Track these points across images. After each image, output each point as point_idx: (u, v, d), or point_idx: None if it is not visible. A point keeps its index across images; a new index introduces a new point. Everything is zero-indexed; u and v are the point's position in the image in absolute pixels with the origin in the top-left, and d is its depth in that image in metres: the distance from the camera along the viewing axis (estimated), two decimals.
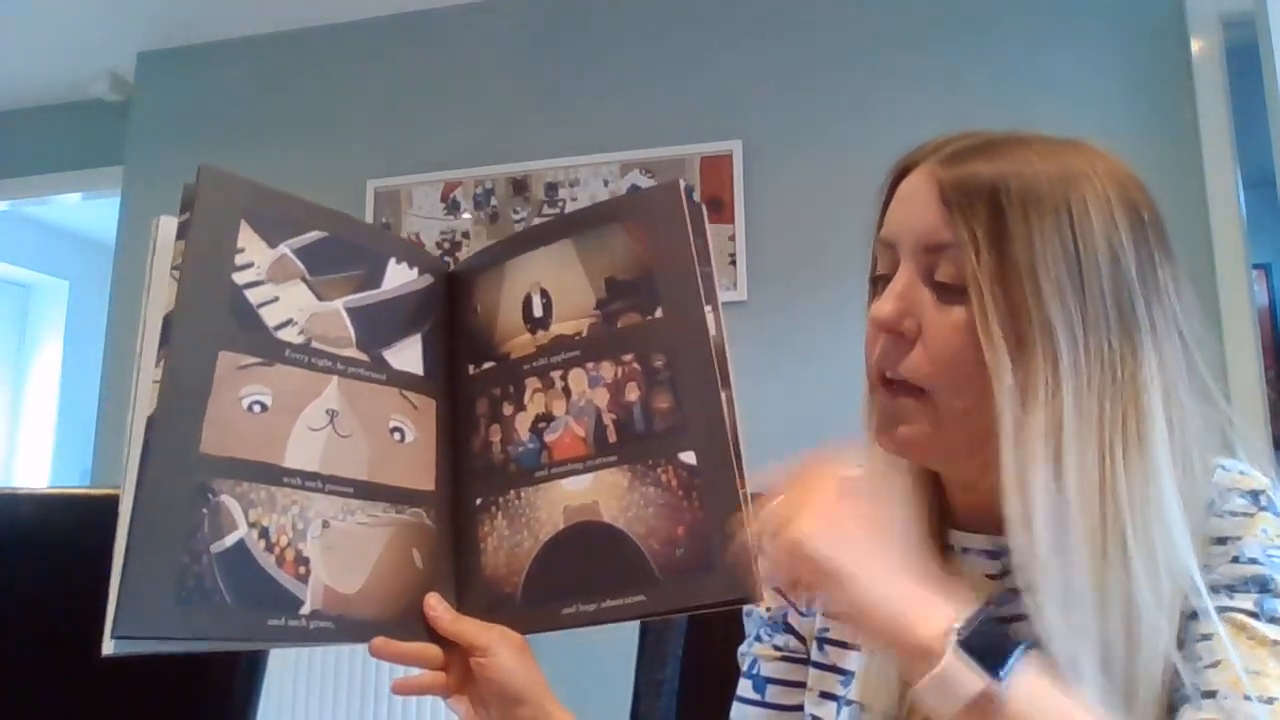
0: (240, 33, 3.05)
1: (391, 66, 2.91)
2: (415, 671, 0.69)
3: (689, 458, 0.66)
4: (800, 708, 0.72)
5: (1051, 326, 0.58)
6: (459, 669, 0.69)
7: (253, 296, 0.67)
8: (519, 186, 2.71)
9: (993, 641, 0.50)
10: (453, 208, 2.75)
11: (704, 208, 0.72)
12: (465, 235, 2.74)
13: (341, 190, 2.81)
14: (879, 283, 0.65)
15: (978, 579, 0.66)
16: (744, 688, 0.76)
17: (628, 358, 0.69)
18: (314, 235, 0.71)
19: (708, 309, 0.68)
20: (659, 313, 0.69)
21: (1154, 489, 0.57)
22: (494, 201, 2.72)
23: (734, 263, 2.49)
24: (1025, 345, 0.58)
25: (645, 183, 2.61)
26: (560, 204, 2.67)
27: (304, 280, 0.70)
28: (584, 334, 0.71)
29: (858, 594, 0.53)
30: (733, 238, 2.51)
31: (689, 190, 0.71)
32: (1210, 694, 0.55)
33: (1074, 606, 0.55)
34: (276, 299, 0.68)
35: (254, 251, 0.68)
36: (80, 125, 3.45)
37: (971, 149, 0.63)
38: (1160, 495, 0.57)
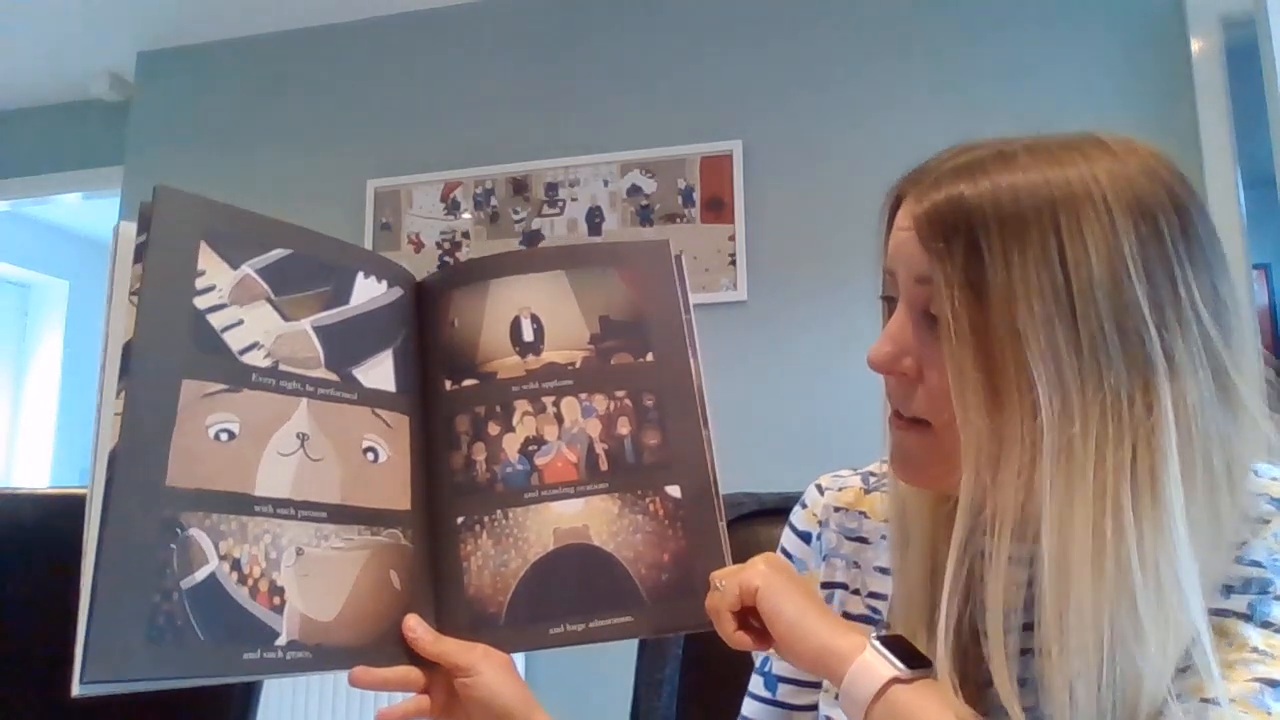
0: (240, 33, 3.05)
1: (391, 66, 2.91)
2: (400, 697, 0.68)
3: (674, 491, 0.72)
4: (812, 708, 0.72)
5: (1031, 373, 0.52)
6: (443, 691, 0.69)
7: (216, 321, 0.65)
8: (519, 186, 2.71)
9: (904, 648, 0.56)
10: (453, 208, 2.75)
11: (682, 259, 0.79)
12: (465, 235, 2.73)
13: (341, 190, 2.82)
14: (888, 303, 0.63)
15: None
16: (755, 684, 0.75)
17: (620, 394, 0.74)
18: (278, 253, 0.69)
19: (690, 356, 0.75)
20: (650, 356, 0.75)
21: (1165, 537, 0.52)
22: (494, 201, 2.72)
23: (734, 263, 2.49)
24: (1001, 394, 0.53)
25: (645, 182, 2.61)
26: (560, 204, 2.67)
27: (269, 300, 0.68)
28: (577, 365, 0.74)
29: (791, 618, 0.59)
30: (732, 238, 2.50)
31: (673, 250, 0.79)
32: (1175, 696, 0.53)
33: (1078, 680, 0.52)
34: (241, 321, 0.66)
35: (216, 274, 0.66)
36: (80, 125, 3.45)
37: (952, 172, 0.57)
38: (1171, 544, 0.52)
